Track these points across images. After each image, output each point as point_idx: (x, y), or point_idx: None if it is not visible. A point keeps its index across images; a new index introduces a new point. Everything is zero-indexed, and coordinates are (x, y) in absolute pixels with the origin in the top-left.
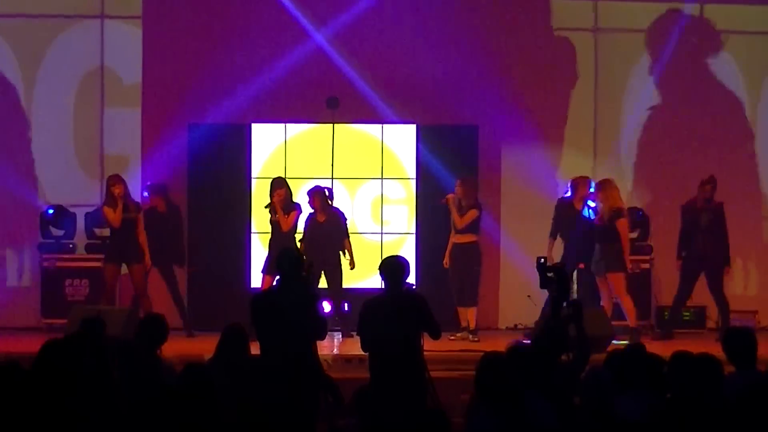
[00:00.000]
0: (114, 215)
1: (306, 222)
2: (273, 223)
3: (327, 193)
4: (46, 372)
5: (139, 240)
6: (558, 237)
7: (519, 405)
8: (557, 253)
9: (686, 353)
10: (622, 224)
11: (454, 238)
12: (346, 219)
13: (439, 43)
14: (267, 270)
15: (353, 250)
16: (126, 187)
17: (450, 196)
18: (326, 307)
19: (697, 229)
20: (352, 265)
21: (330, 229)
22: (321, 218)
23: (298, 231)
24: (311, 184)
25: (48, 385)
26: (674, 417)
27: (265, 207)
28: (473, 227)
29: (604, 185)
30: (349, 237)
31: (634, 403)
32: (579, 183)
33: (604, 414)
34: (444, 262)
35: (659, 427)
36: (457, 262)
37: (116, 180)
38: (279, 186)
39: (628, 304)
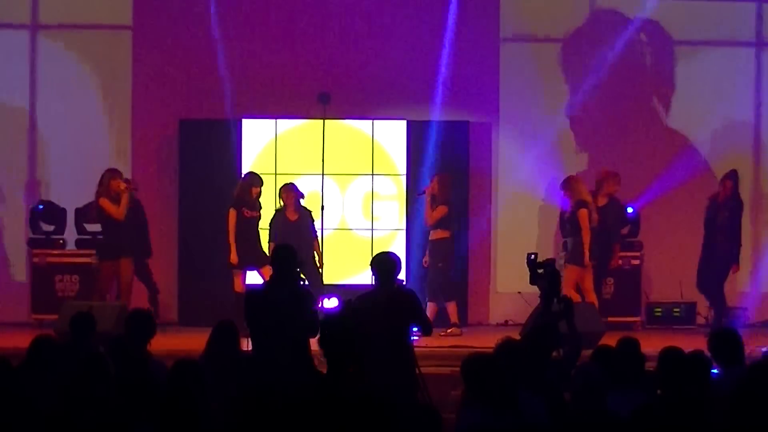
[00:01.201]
0: (117, 209)
1: (276, 220)
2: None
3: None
4: (37, 367)
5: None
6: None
7: (510, 401)
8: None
9: (676, 350)
10: (582, 215)
11: (429, 235)
12: (313, 220)
13: (429, 39)
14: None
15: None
16: (130, 182)
17: (428, 189)
18: (335, 302)
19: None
20: (321, 266)
21: (302, 228)
22: (293, 216)
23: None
24: (302, 180)
25: (39, 381)
26: (663, 414)
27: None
28: (444, 223)
29: (570, 182)
30: (317, 238)
31: (624, 399)
32: (605, 178)
33: (596, 410)
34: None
35: (647, 425)
36: (430, 258)
37: (117, 174)
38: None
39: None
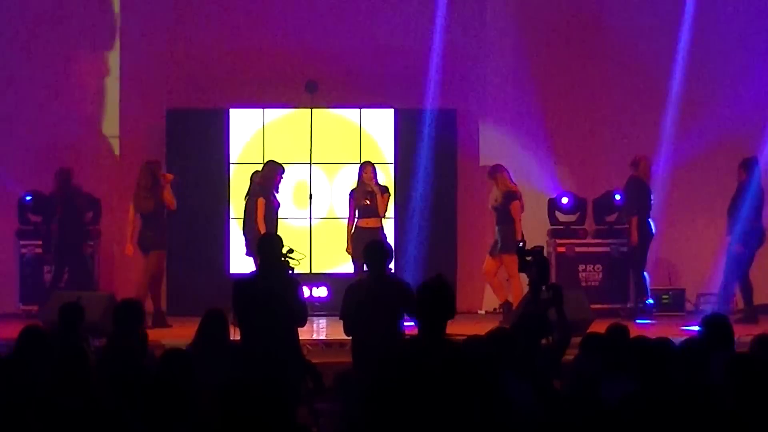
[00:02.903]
0: (174, 200)
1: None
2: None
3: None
4: (26, 358)
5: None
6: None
7: (493, 387)
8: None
9: (645, 338)
10: (515, 207)
11: (371, 223)
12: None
13: (417, 27)
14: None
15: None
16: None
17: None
18: (324, 291)
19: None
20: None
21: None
22: (276, 202)
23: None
24: (290, 169)
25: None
26: (646, 402)
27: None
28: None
29: (495, 171)
30: None
31: (615, 387)
32: (642, 159)
33: (589, 398)
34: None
35: (633, 412)
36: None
37: (159, 165)
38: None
39: (517, 285)
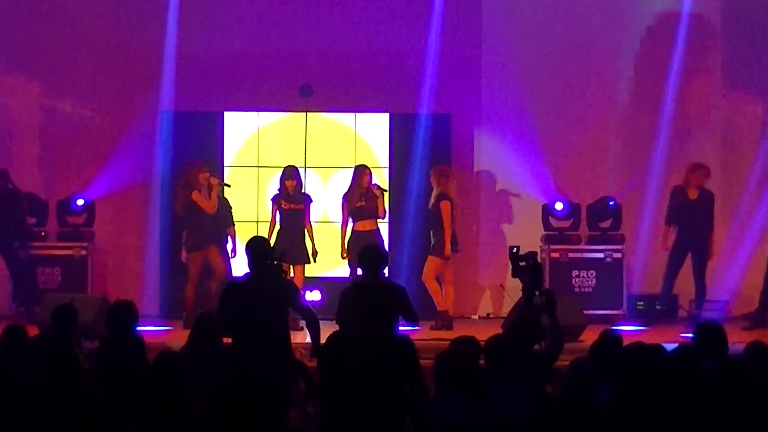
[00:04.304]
0: (209, 202)
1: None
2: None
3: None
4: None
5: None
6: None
7: (481, 390)
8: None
9: (639, 343)
10: (445, 207)
11: (368, 226)
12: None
13: (412, 31)
14: None
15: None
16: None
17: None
18: (317, 295)
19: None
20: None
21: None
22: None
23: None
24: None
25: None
26: (628, 405)
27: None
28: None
29: (439, 173)
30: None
31: (608, 393)
32: (693, 171)
33: (583, 404)
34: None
35: (618, 416)
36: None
37: (204, 167)
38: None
39: (433, 289)
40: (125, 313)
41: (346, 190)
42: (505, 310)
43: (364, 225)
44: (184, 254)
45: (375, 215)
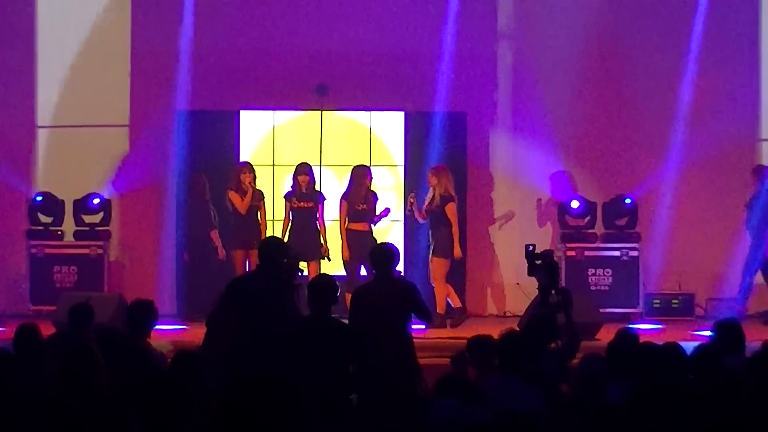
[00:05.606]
0: (242, 202)
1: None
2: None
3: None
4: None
5: (261, 227)
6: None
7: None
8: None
9: (652, 344)
10: (451, 209)
11: (365, 227)
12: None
13: (428, 29)
14: None
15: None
16: (255, 176)
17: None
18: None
19: None
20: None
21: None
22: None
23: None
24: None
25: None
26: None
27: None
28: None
29: (439, 171)
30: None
31: (620, 390)
32: (760, 170)
33: (596, 402)
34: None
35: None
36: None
37: (248, 168)
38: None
39: (439, 291)
40: (144, 313)
41: (344, 191)
42: (522, 308)
43: (363, 226)
44: (222, 252)
45: (372, 218)
